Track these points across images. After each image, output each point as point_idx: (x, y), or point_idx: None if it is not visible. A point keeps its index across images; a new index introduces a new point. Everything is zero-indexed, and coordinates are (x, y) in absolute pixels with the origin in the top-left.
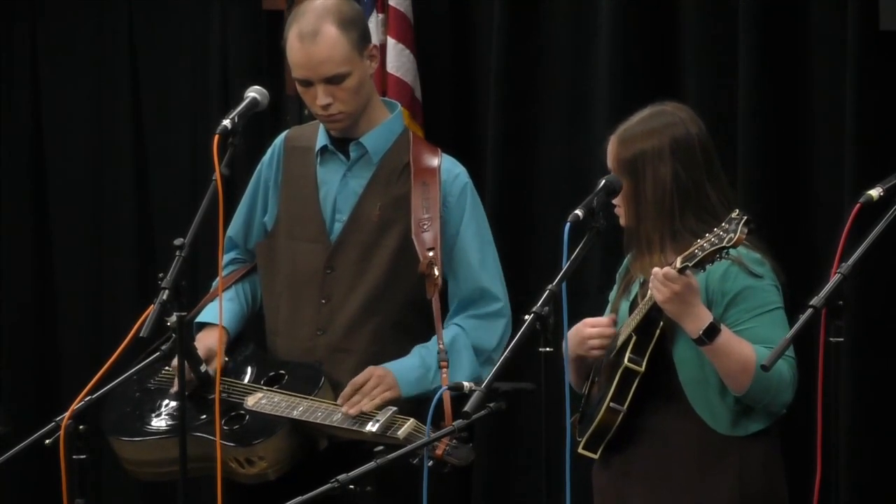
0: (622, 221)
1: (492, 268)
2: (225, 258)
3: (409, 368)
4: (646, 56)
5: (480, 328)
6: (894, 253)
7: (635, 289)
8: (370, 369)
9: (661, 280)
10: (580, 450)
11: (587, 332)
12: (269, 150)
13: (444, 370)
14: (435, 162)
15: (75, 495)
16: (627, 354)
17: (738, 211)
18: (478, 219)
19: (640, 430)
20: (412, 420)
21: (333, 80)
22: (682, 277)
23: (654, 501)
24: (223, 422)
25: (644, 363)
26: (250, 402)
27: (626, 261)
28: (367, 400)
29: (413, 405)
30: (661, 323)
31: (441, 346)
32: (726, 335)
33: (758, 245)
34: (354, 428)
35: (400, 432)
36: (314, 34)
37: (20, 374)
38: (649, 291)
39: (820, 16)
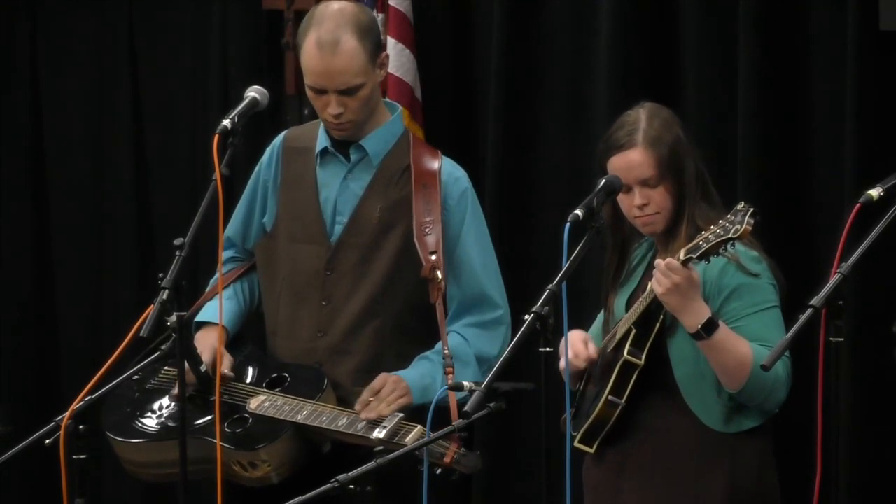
0: (658, 228)
1: (493, 273)
2: (223, 256)
3: (418, 377)
4: (645, 56)
5: (482, 337)
6: (894, 253)
7: (631, 286)
8: (384, 376)
9: (662, 271)
10: (576, 444)
11: (570, 349)
12: (268, 151)
13: (450, 375)
14: (436, 165)
15: (75, 495)
16: (627, 347)
17: (743, 203)
18: (478, 222)
19: (636, 425)
20: (419, 427)
21: (348, 92)
22: (683, 269)
23: (648, 495)
24: (225, 424)
25: (644, 357)
26: (252, 404)
27: (638, 255)
28: (384, 405)
29: (415, 410)
30: (661, 317)
31: (446, 351)
32: (724, 331)
33: (756, 244)
34: (361, 433)
35: (407, 439)
36: (334, 44)
37: (20, 374)
38: (650, 284)
39: (820, 16)
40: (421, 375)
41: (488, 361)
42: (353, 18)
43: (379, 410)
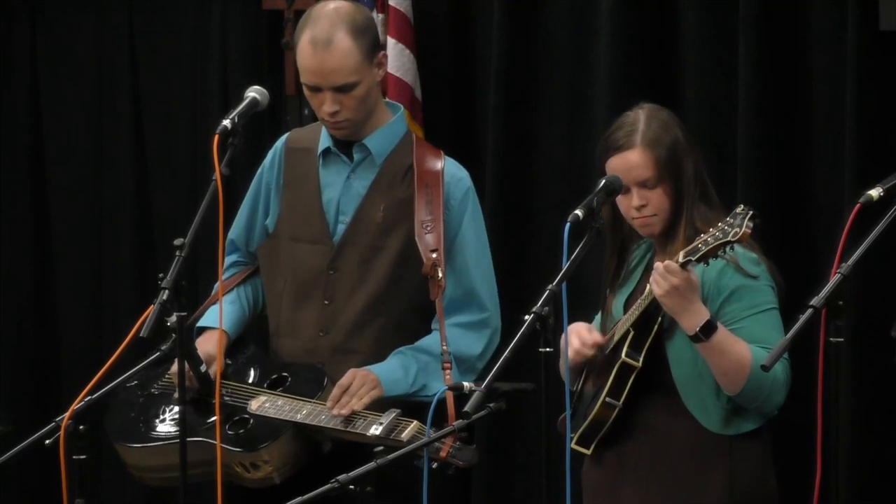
0: (656, 230)
1: (486, 273)
2: (226, 261)
3: (389, 370)
4: (646, 57)
5: (465, 337)
6: (894, 253)
7: (629, 288)
8: (353, 371)
9: (661, 273)
10: (573, 445)
11: (571, 339)
12: (270, 153)
13: (448, 371)
14: (438, 165)
15: (75, 495)
16: (625, 349)
17: (742, 206)
18: (477, 224)
19: (634, 426)
20: (415, 422)
21: (343, 89)
22: (682, 272)
23: (646, 497)
24: (227, 426)
25: (641, 358)
26: (253, 405)
27: (637, 256)
28: (355, 400)
29: (414, 407)
30: (660, 319)
31: (444, 346)
32: (723, 333)
33: (755, 246)
34: (358, 431)
35: (404, 435)
36: (327, 42)
37: (20, 374)
38: (648, 286)
39: (820, 16)
40: (392, 369)
41: (467, 362)
42: (347, 17)
43: (350, 405)
